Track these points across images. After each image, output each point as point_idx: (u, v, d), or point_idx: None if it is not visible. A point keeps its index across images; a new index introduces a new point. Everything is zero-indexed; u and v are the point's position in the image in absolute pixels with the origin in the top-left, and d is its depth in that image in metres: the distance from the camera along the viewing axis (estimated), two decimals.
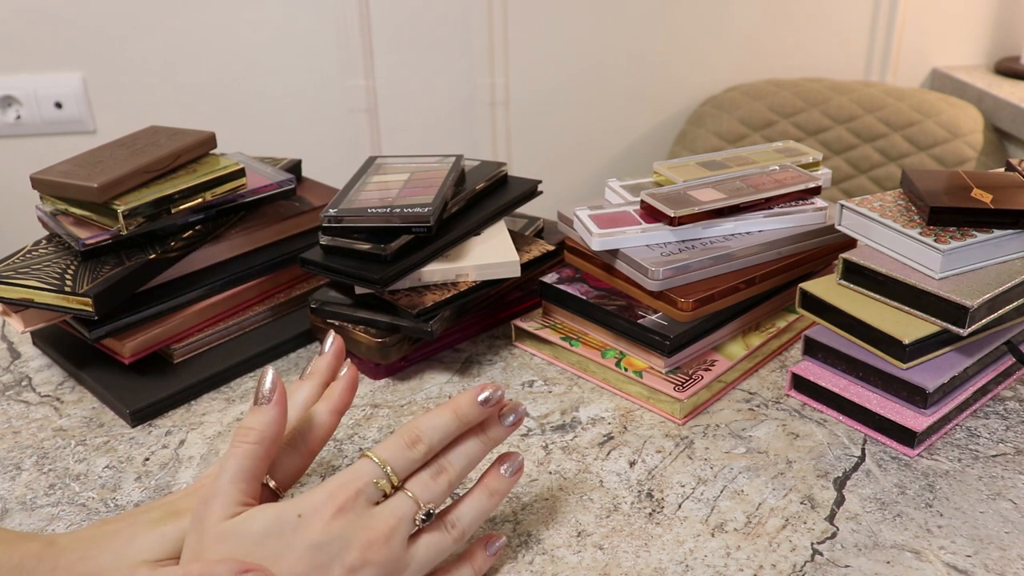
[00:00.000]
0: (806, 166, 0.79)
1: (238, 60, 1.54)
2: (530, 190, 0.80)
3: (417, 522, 0.45)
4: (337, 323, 0.70)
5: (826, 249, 0.72)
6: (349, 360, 0.54)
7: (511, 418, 0.49)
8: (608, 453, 0.61)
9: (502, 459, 0.50)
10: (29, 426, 0.66)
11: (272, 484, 0.48)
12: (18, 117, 1.51)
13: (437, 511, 0.46)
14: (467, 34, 1.58)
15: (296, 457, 0.49)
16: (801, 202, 0.72)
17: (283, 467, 0.49)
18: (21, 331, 0.66)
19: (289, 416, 0.50)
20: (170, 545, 0.44)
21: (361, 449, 0.62)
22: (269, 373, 0.47)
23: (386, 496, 0.45)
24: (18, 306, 0.66)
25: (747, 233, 0.69)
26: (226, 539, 0.42)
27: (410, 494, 0.45)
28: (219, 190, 0.72)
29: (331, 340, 0.54)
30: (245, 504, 0.44)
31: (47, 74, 1.50)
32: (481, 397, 0.47)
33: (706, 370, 0.65)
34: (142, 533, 0.44)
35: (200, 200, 0.71)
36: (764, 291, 0.69)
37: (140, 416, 0.65)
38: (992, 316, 0.58)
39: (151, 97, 1.54)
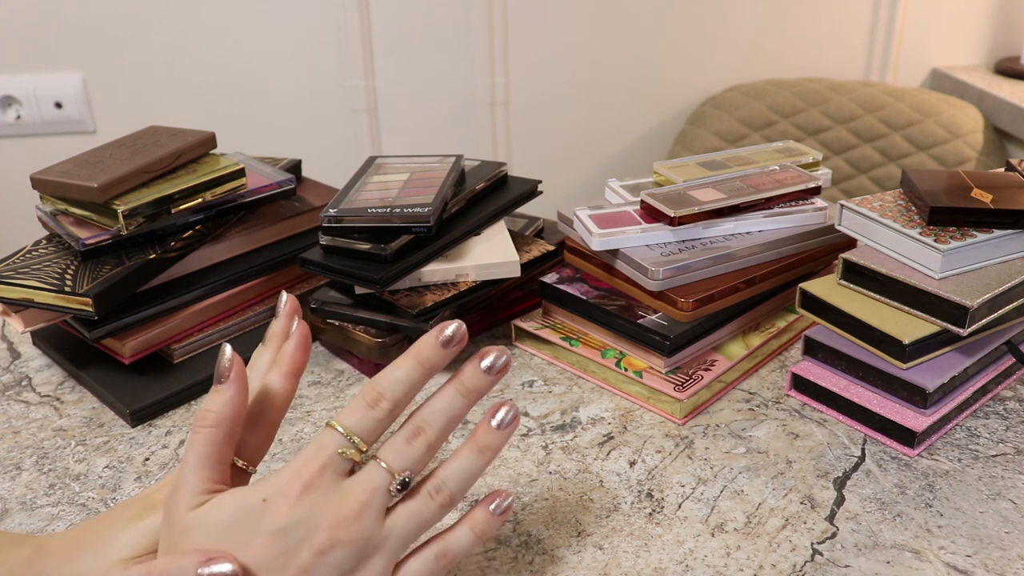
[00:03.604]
0: (806, 166, 0.79)
1: (238, 60, 1.54)
2: (530, 190, 0.80)
3: (392, 492, 0.41)
4: (337, 323, 0.70)
5: (826, 249, 0.72)
6: (299, 317, 0.50)
7: (490, 362, 0.43)
8: (608, 453, 0.61)
9: (493, 409, 0.44)
10: (29, 426, 0.66)
11: (241, 463, 0.45)
12: (18, 117, 1.51)
13: (417, 478, 0.42)
14: (467, 34, 1.58)
15: (258, 430, 0.46)
16: (801, 202, 0.72)
17: (246, 443, 0.45)
18: (21, 331, 0.66)
19: (253, 386, 0.47)
20: (148, 540, 0.43)
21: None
22: (226, 351, 0.43)
23: (356, 465, 0.41)
24: (18, 306, 0.65)
25: (747, 233, 0.69)
26: (192, 530, 0.40)
27: (383, 463, 0.41)
28: (219, 190, 0.72)
29: (284, 300, 0.50)
30: (211, 491, 0.42)
31: (47, 74, 1.50)
32: (443, 337, 0.42)
33: (706, 370, 0.65)
34: (121, 532, 0.44)
35: (200, 200, 0.71)
36: (764, 291, 0.69)
37: (140, 416, 0.65)
38: (992, 316, 0.58)
39: (151, 97, 1.54)
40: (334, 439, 0.41)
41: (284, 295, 0.51)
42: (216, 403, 0.43)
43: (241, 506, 0.40)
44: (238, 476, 0.45)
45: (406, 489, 0.42)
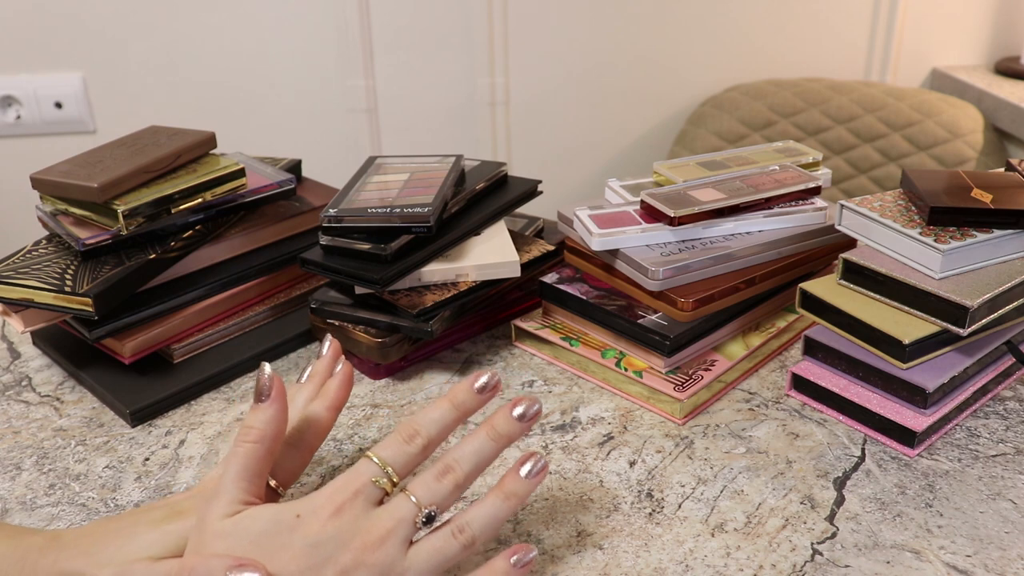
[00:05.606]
0: (806, 166, 0.79)
1: (238, 60, 1.54)
2: (530, 190, 0.80)
3: (418, 524, 0.43)
4: (337, 323, 0.70)
5: (826, 249, 0.72)
6: (344, 358, 0.55)
7: (522, 410, 0.46)
8: (608, 453, 0.61)
9: (524, 458, 0.46)
10: (29, 426, 0.66)
11: (273, 483, 0.48)
12: (18, 117, 1.51)
13: (441, 514, 0.44)
14: (467, 34, 1.58)
15: (296, 455, 0.50)
16: (801, 202, 0.72)
17: (283, 466, 0.49)
18: (21, 331, 0.66)
19: (290, 417, 0.51)
20: (172, 543, 0.45)
21: (362, 450, 0.62)
22: (266, 370, 0.47)
23: (387, 495, 0.44)
24: (18, 306, 0.66)
25: (747, 233, 0.69)
26: (225, 536, 0.42)
27: (412, 496, 0.43)
28: (219, 190, 0.72)
29: (328, 343, 0.56)
30: (247, 503, 0.44)
31: (47, 74, 1.50)
32: (478, 384, 0.46)
33: (706, 370, 0.65)
34: (144, 531, 0.45)
35: (200, 200, 0.71)
36: (764, 291, 0.69)
37: (140, 416, 0.65)
38: (992, 316, 0.58)
39: (151, 97, 1.54)
40: (369, 468, 0.44)
41: (329, 338, 0.57)
42: (259, 420, 0.46)
43: (275, 519, 0.43)
44: (269, 495, 0.48)
45: (431, 522, 0.44)
